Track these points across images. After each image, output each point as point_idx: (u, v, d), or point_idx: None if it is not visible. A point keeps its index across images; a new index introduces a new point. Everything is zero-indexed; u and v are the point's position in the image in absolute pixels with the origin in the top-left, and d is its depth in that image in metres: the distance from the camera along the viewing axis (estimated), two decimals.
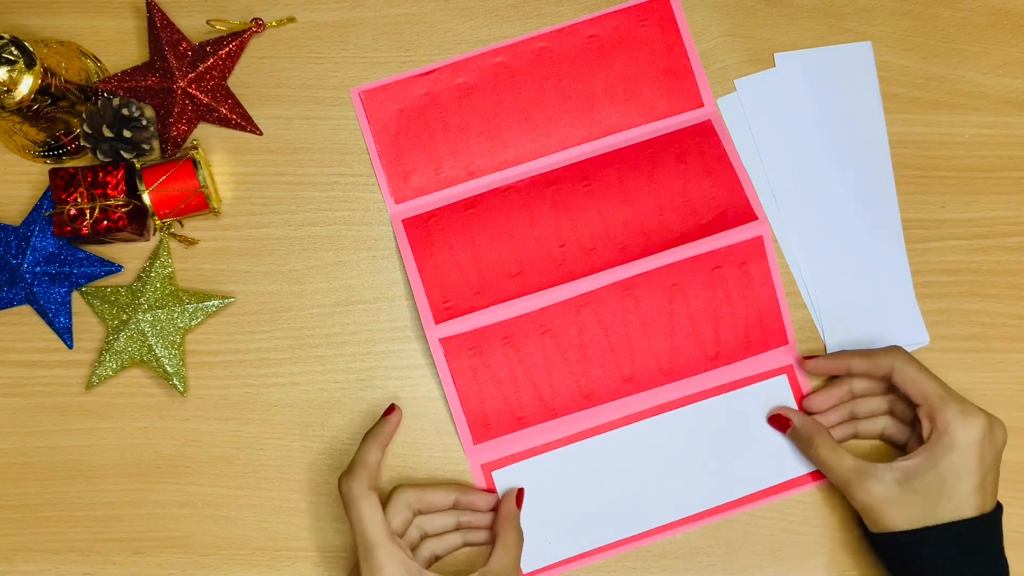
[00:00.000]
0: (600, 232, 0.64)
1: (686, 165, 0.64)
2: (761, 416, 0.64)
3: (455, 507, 0.61)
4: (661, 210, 0.64)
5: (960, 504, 0.56)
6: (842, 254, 0.65)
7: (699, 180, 0.64)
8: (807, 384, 0.64)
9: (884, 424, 0.62)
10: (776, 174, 0.65)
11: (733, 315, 0.64)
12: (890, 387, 0.61)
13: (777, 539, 0.63)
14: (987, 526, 0.56)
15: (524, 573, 0.62)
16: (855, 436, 0.63)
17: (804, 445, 0.61)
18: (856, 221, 0.65)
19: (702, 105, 0.66)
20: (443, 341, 0.62)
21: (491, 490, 0.63)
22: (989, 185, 0.66)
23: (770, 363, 0.64)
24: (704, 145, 0.65)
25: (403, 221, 0.64)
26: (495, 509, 0.62)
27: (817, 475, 0.63)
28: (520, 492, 0.62)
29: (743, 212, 0.64)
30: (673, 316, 0.63)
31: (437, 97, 0.65)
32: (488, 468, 0.63)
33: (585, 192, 0.64)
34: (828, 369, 0.63)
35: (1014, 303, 0.65)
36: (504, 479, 0.63)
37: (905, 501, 0.57)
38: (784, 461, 0.63)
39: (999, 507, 0.58)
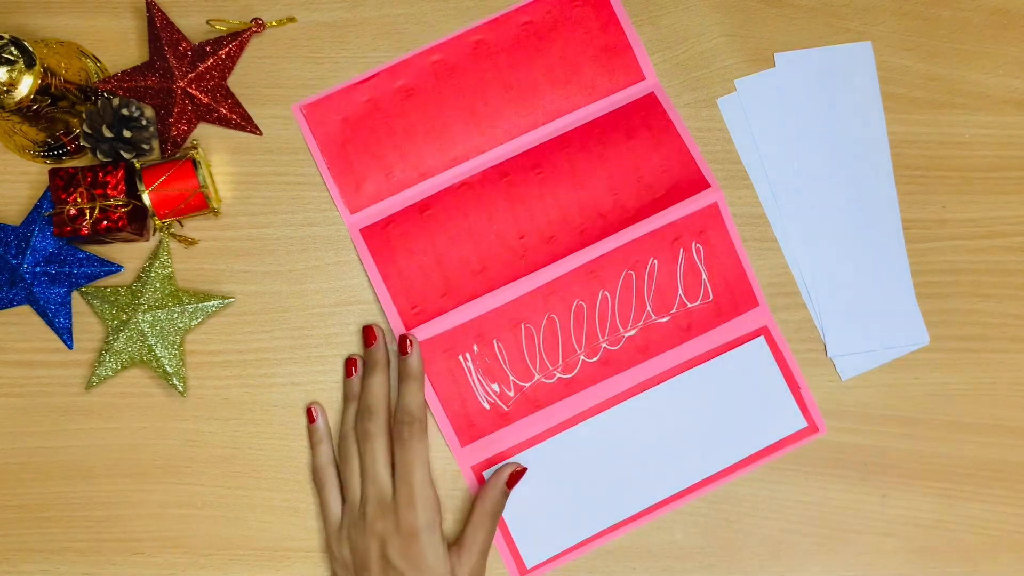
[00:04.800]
0: (557, 219, 0.64)
1: (635, 141, 0.65)
2: (743, 380, 0.64)
3: None
4: (615, 190, 0.64)
5: None
6: (842, 254, 0.65)
7: (649, 155, 0.65)
8: (785, 343, 0.64)
9: None
10: (776, 174, 0.65)
11: (699, 285, 0.64)
12: None
13: (777, 539, 0.63)
14: None
15: (528, 569, 0.62)
16: None
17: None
18: (856, 221, 0.65)
19: (644, 78, 0.66)
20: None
21: None
22: (989, 185, 0.66)
23: (744, 327, 0.64)
24: (650, 118, 0.65)
25: (361, 231, 0.64)
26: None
27: (805, 434, 0.64)
28: (516, 472, 0.61)
29: (695, 181, 0.64)
30: (640, 293, 0.63)
31: (379, 102, 0.65)
32: (479, 469, 0.63)
33: (538, 180, 0.64)
34: None
35: (1014, 303, 0.65)
36: None
37: None
38: (771, 424, 0.64)
39: None
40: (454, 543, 0.60)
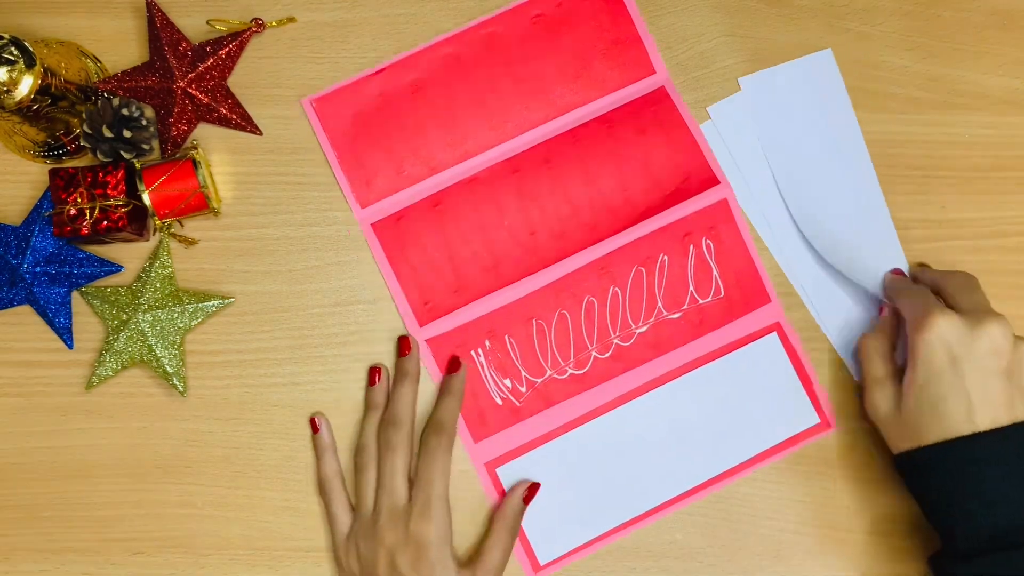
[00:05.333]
0: (568, 215, 0.64)
1: (645, 136, 0.65)
2: (756, 377, 0.64)
3: None
4: (625, 185, 0.64)
5: (948, 423, 0.53)
6: (841, 260, 0.65)
7: (659, 150, 0.65)
8: (797, 339, 0.64)
9: None
10: (764, 194, 0.65)
11: (710, 280, 0.64)
12: None
13: (777, 539, 0.63)
14: (979, 448, 0.53)
15: (541, 566, 0.62)
16: None
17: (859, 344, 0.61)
18: (849, 225, 0.65)
19: (654, 72, 0.66)
20: (429, 342, 0.63)
21: (499, 489, 0.63)
22: (989, 185, 0.66)
23: (757, 323, 0.64)
24: (661, 113, 0.65)
25: (372, 225, 0.64)
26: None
27: (817, 430, 0.64)
28: (532, 488, 0.62)
29: (705, 177, 0.64)
30: (652, 289, 0.64)
31: (390, 96, 0.65)
32: (492, 466, 0.63)
33: (548, 176, 0.64)
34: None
35: (1014, 303, 0.65)
36: (509, 475, 0.63)
37: (900, 421, 0.56)
38: (783, 420, 0.64)
39: (1002, 429, 0.53)
40: (469, 561, 0.59)
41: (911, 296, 0.59)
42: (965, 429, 0.53)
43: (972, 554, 0.53)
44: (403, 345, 0.62)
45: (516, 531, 0.61)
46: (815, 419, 0.64)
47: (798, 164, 0.65)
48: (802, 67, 0.66)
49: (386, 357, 0.64)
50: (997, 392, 0.54)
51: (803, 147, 0.65)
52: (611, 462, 0.63)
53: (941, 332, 0.55)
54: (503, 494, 0.63)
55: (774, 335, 0.64)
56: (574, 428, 0.64)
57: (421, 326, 0.63)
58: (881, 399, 0.58)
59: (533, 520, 0.63)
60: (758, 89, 0.66)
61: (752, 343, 0.64)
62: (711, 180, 0.64)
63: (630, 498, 0.63)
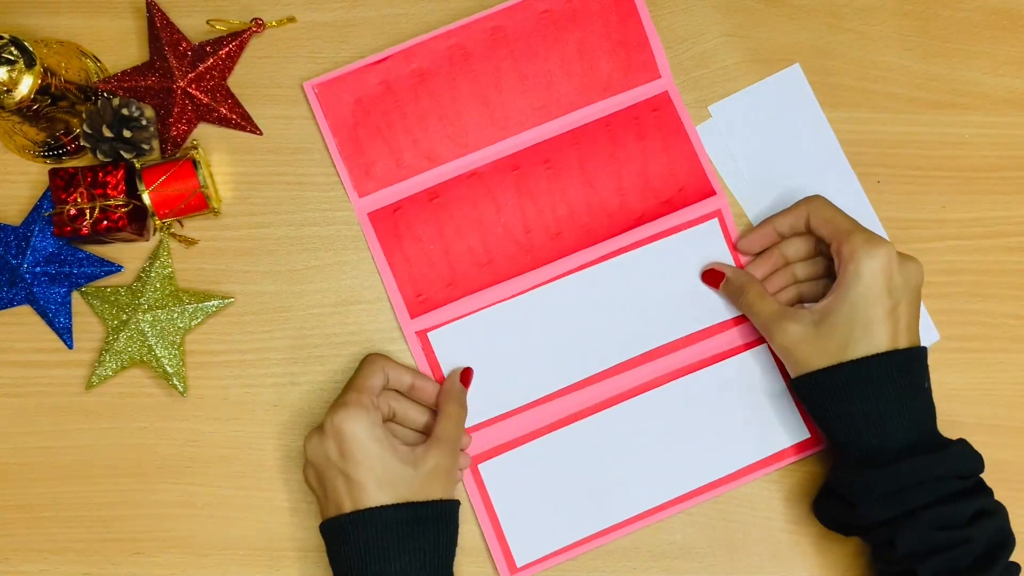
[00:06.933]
0: (564, 216, 0.64)
1: (645, 142, 0.65)
2: (746, 386, 0.64)
3: (410, 391, 0.61)
4: (622, 190, 0.64)
5: (872, 338, 0.55)
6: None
7: (658, 157, 0.65)
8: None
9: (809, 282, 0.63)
10: (753, 212, 0.65)
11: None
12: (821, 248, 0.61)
13: (777, 539, 0.63)
14: (903, 361, 0.56)
15: (518, 568, 0.62)
16: (795, 281, 0.63)
17: (735, 295, 0.62)
18: None
19: (659, 76, 0.65)
20: (419, 335, 0.63)
21: (479, 483, 0.63)
22: (989, 185, 0.66)
23: (747, 335, 0.64)
24: (662, 119, 0.65)
25: (368, 215, 0.64)
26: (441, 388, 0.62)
27: (807, 446, 0.63)
28: (466, 371, 0.62)
29: (701, 188, 0.64)
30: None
31: (393, 85, 0.64)
32: (476, 460, 0.63)
33: (547, 175, 0.64)
34: (759, 241, 0.63)
35: (1015, 303, 0.65)
36: (492, 470, 0.63)
37: (821, 339, 0.56)
38: (771, 434, 0.63)
39: (922, 348, 0.57)
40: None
41: (840, 221, 0.59)
42: (886, 344, 0.56)
43: (887, 461, 0.55)
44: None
45: (464, 406, 0.61)
46: (805, 434, 0.63)
47: (779, 182, 0.65)
48: (771, 86, 0.66)
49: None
50: (911, 315, 0.57)
51: (781, 165, 0.65)
52: (594, 466, 0.63)
53: (891, 258, 0.56)
54: (483, 487, 0.63)
55: (764, 347, 0.64)
56: (561, 427, 0.63)
57: (412, 318, 0.63)
58: (795, 325, 0.58)
59: (513, 520, 0.62)
60: (728, 114, 0.65)
61: (742, 353, 0.64)
62: (707, 191, 0.64)
63: (613, 504, 0.63)
